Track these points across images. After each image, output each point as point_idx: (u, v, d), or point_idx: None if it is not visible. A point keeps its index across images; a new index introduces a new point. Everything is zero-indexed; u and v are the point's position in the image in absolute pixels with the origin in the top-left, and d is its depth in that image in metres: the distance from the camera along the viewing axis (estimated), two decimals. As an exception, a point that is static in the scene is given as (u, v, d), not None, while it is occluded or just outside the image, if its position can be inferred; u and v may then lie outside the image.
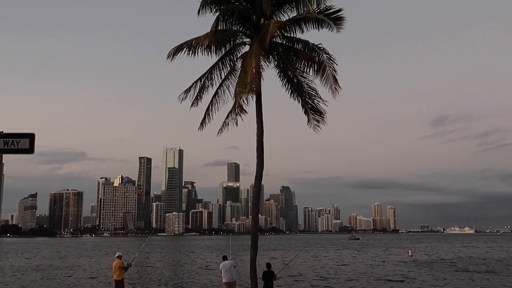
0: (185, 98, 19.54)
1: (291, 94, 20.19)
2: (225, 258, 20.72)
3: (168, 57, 18.75)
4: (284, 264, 32.67)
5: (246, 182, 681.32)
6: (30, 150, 10.34)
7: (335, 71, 18.39)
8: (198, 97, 19.74)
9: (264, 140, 19.25)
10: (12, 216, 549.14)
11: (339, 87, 18.31)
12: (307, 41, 19.07)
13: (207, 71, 19.84)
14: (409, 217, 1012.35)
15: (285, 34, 19.17)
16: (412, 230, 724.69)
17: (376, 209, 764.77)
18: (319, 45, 18.76)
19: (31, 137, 10.33)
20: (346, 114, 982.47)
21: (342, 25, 18.11)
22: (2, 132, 10.40)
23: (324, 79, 18.31)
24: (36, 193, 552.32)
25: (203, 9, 18.38)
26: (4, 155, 10.62)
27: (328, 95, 18.56)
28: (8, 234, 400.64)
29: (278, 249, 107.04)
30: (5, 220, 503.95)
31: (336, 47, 19.04)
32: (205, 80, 19.74)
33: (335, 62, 18.53)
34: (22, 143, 10.26)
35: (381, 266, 54.36)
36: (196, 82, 19.74)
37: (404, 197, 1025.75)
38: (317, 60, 18.43)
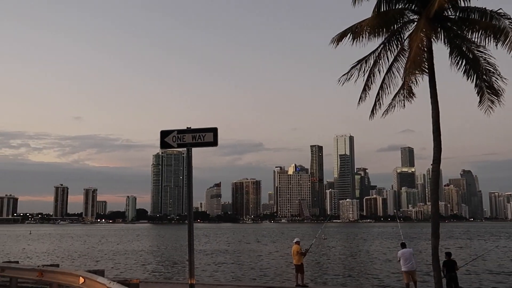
0: (348, 79, 19.17)
1: (464, 72, 18.50)
2: (404, 245, 20.04)
3: (331, 43, 18.66)
4: (475, 255, 30.45)
5: (421, 167, 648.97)
6: (214, 143, 11.45)
7: None
8: (366, 88, 19.19)
9: (441, 121, 18.07)
10: (200, 203, 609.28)
11: None
12: (484, 8, 17.26)
13: (369, 54, 19.20)
14: None
15: (457, 5, 17.65)
16: None
17: None
18: (498, 11, 16.86)
19: (214, 131, 11.43)
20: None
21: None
22: (190, 127, 11.62)
23: (506, 44, 16.39)
24: (220, 182, 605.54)
25: None
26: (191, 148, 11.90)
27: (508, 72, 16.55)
28: (198, 220, 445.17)
29: (461, 238, 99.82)
30: (195, 207, 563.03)
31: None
32: (372, 67, 19.12)
33: None
34: (207, 136, 11.42)
35: None
36: (359, 62, 19.19)
37: None
38: (497, 27, 16.56)
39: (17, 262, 22.39)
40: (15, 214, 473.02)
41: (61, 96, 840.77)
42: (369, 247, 69.40)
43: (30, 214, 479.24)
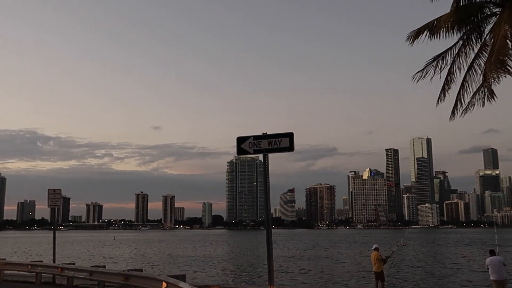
0: (423, 77, 18.37)
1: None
2: (492, 253, 18.83)
3: (407, 40, 17.99)
4: None
5: (507, 169, 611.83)
6: (290, 148, 11.35)
7: None
8: (444, 87, 18.32)
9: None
10: (275, 209, 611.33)
11: None
12: None
13: (445, 51, 18.29)
14: None
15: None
16: None
17: None
18: None
19: (290, 136, 11.32)
20: None
21: None
22: (266, 133, 11.61)
23: None
24: (294, 188, 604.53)
25: None
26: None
27: None
28: (273, 226, 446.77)
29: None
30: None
31: None
32: (451, 64, 18.22)
33: None
34: (283, 142, 11.33)
35: None
36: (435, 59, 18.35)
37: None
38: None
39: (104, 266, 23.56)
40: (100, 221, 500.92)
41: (141, 106, 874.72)
42: (452, 254, 66.19)
43: (113, 221, 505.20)
